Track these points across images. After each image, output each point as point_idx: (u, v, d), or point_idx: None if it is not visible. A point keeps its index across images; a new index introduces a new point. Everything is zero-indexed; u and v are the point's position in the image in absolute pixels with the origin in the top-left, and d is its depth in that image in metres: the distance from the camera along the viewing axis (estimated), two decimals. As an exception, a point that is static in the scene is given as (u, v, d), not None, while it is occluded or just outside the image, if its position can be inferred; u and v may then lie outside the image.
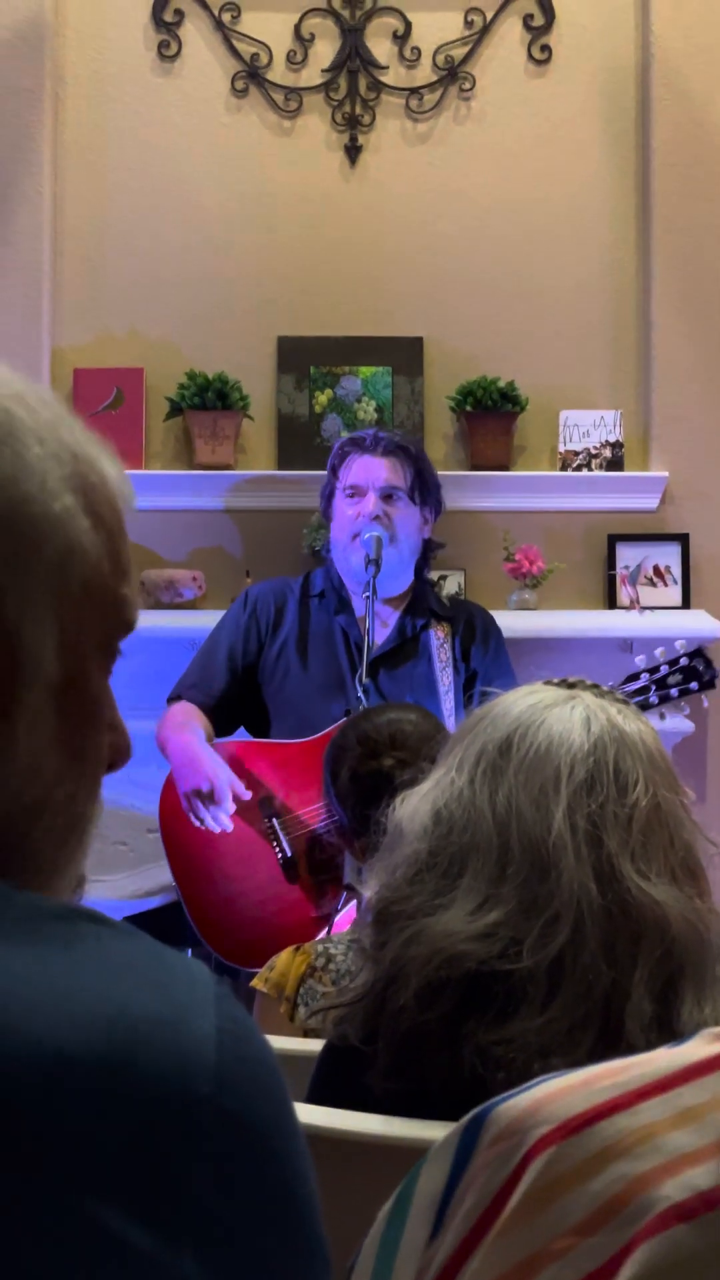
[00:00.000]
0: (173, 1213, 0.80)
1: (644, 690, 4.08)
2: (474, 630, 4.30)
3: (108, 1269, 0.78)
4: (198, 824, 3.99)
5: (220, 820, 3.95)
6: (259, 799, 4.04)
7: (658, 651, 4.17)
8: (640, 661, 4.21)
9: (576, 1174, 0.97)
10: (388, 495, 4.19)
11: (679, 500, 5.07)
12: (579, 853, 1.64)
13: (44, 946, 0.86)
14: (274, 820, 4.02)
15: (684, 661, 4.13)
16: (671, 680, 4.10)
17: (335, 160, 5.16)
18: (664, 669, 4.11)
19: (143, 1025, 0.83)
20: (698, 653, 4.14)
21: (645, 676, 4.12)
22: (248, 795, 3.97)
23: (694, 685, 4.11)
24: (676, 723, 4.77)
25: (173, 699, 4.28)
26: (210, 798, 3.94)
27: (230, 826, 3.97)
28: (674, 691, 4.10)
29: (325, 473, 4.35)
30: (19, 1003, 0.81)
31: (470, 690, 4.22)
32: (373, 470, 4.21)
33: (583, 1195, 0.96)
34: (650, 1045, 1.55)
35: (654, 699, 4.08)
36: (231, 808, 3.95)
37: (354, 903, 3.38)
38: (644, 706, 4.07)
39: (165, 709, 4.28)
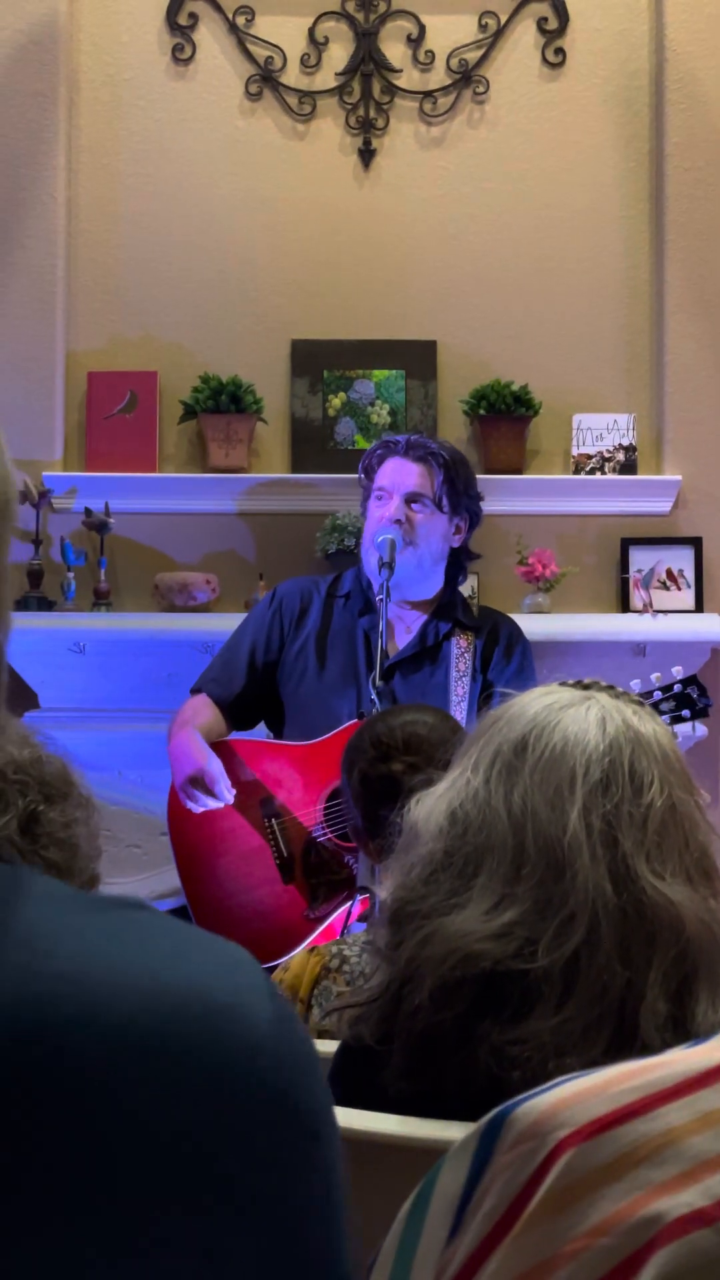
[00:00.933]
0: (231, 1189, 0.82)
1: None
2: (497, 640, 4.24)
3: (165, 1247, 0.79)
4: (194, 809, 4.03)
5: (211, 803, 4.01)
6: (260, 799, 4.05)
7: (654, 676, 4.15)
8: (636, 686, 4.20)
9: (596, 1178, 0.97)
10: (412, 500, 4.17)
11: (692, 504, 5.07)
12: (594, 853, 1.64)
13: (112, 927, 0.87)
14: (273, 820, 4.04)
15: (677, 689, 4.12)
16: (664, 707, 4.09)
17: (349, 164, 5.17)
18: (657, 695, 4.10)
19: (210, 1009, 0.84)
20: (692, 680, 4.13)
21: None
22: (232, 791, 4.00)
23: (686, 713, 4.10)
24: (689, 726, 4.77)
25: (195, 691, 4.30)
26: (202, 784, 3.97)
27: (229, 799, 4.01)
28: (665, 719, 4.09)
29: (356, 475, 4.36)
30: (94, 976, 0.83)
31: (488, 703, 4.20)
32: (401, 474, 4.18)
33: (601, 1200, 0.96)
34: (665, 1045, 1.55)
35: None
36: (225, 794, 3.99)
37: (356, 901, 3.39)
38: None
39: (184, 702, 4.29)
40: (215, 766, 4.02)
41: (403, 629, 4.18)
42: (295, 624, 4.28)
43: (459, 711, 4.10)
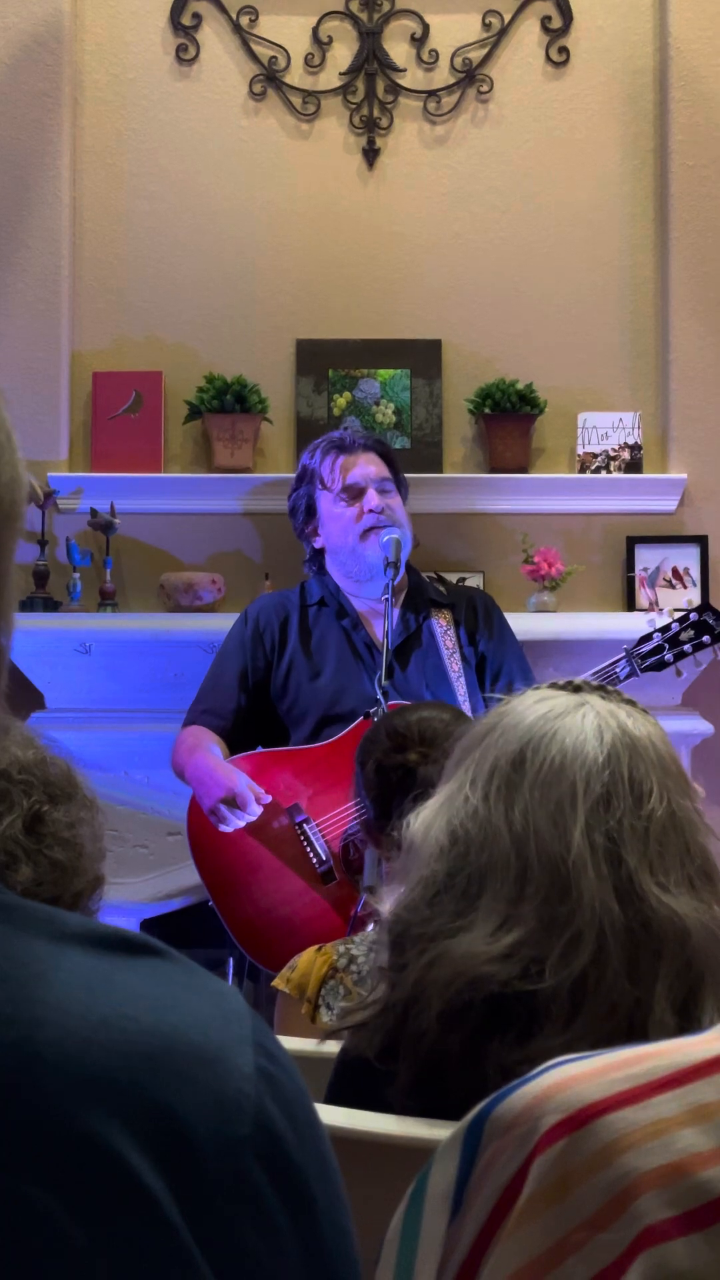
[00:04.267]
0: (212, 1248, 0.80)
1: (658, 650, 4.12)
2: (476, 614, 4.34)
3: None
4: (225, 829, 4.00)
5: (245, 819, 3.98)
6: (287, 807, 4.04)
7: (667, 610, 4.20)
8: (651, 622, 4.23)
9: (587, 1166, 0.97)
10: (382, 489, 4.25)
11: (698, 502, 5.06)
12: (599, 871, 1.63)
13: (109, 967, 0.86)
14: (305, 826, 4.02)
15: (694, 616, 4.16)
16: (684, 637, 4.14)
17: (353, 163, 5.17)
18: (674, 626, 4.14)
19: (185, 1064, 0.83)
20: (705, 606, 4.18)
21: (658, 636, 4.14)
22: (268, 798, 3.98)
23: (706, 639, 4.14)
24: (695, 723, 4.77)
25: (186, 724, 4.28)
26: (233, 803, 3.96)
27: (258, 812, 3.99)
28: (687, 647, 4.14)
29: (298, 485, 4.38)
30: (63, 1027, 0.81)
31: (483, 674, 4.24)
32: (362, 468, 4.27)
33: (594, 1188, 0.96)
34: None
35: (669, 657, 4.12)
36: (257, 809, 3.97)
37: (361, 902, 3.39)
38: (659, 666, 4.11)
39: (179, 734, 4.27)
40: (243, 783, 3.99)
41: (379, 621, 4.18)
42: (278, 643, 4.29)
43: (460, 688, 4.13)
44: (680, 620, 4.16)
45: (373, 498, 4.22)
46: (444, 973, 1.63)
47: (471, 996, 1.61)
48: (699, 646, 4.14)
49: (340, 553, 4.27)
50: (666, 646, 4.12)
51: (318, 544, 4.35)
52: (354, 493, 4.24)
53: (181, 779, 4.19)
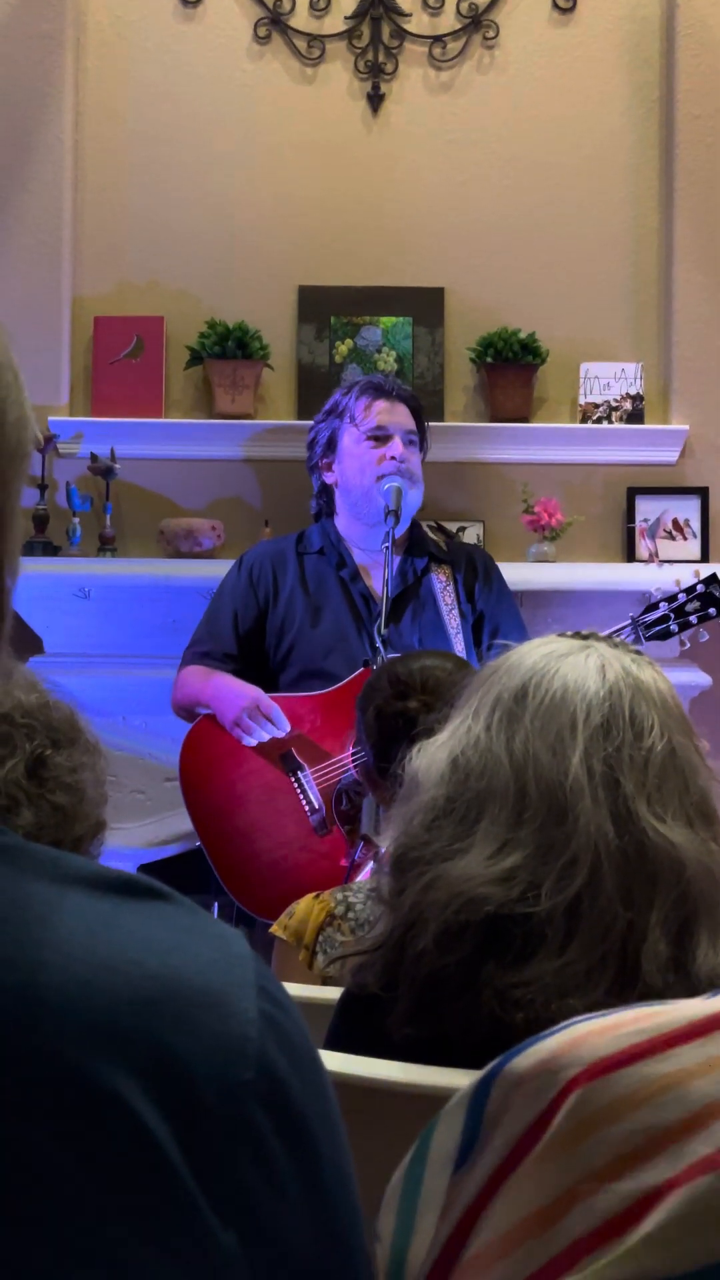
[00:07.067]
0: (215, 1192, 0.80)
1: (664, 619, 4.12)
2: (475, 570, 4.34)
3: (150, 1247, 0.79)
4: (254, 742, 4.03)
5: (270, 731, 4.01)
6: (281, 754, 4.05)
7: (674, 580, 4.21)
8: (657, 592, 4.24)
9: (604, 1116, 0.98)
10: (409, 440, 4.25)
11: (699, 454, 5.06)
12: (596, 796, 1.65)
13: (113, 910, 0.86)
14: (298, 774, 4.03)
15: (700, 588, 4.16)
16: (690, 608, 4.15)
17: (357, 109, 5.14)
18: (681, 597, 4.15)
19: (189, 1009, 0.83)
20: (713, 579, 4.18)
21: (664, 606, 4.15)
22: (287, 725, 4.01)
23: (712, 611, 4.16)
24: (693, 675, 4.77)
25: (183, 667, 4.29)
26: (258, 712, 3.98)
27: (288, 729, 4.01)
28: (693, 618, 4.15)
29: (325, 418, 4.36)
30: (66, 970, 0.81)
31: (480, 631, 4.25)
32: (397, 415, 4.27)
33: (609, 1137, 0.97)
34: (667, 986, 1.57)
35: (674, 627, 4.13)
36: (285, 721, 4.01)
37: (359, 849, 3.40)
38: (664, 635, 4.12)
39: (179, 674, 4.28)
40: (262, 694, 4.04)
41: (379, 573, 4.18)
42: (273, 591, 4.29)
43: (458, 644, 4.14)
44: (687, 591, 4.16)
45: (398, 446, 4.22)
46: (441, 894, 1.64)
47: (469, 917, 1.62)
48: (705, 618, 4.15)
49: (353, 492, 4.26)
50: (672, 616, 4.13)
51: (329, 479, 4.34)
52: (381, 437, 4.24)
53: (188, 711, 4.21)
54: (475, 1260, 1.00)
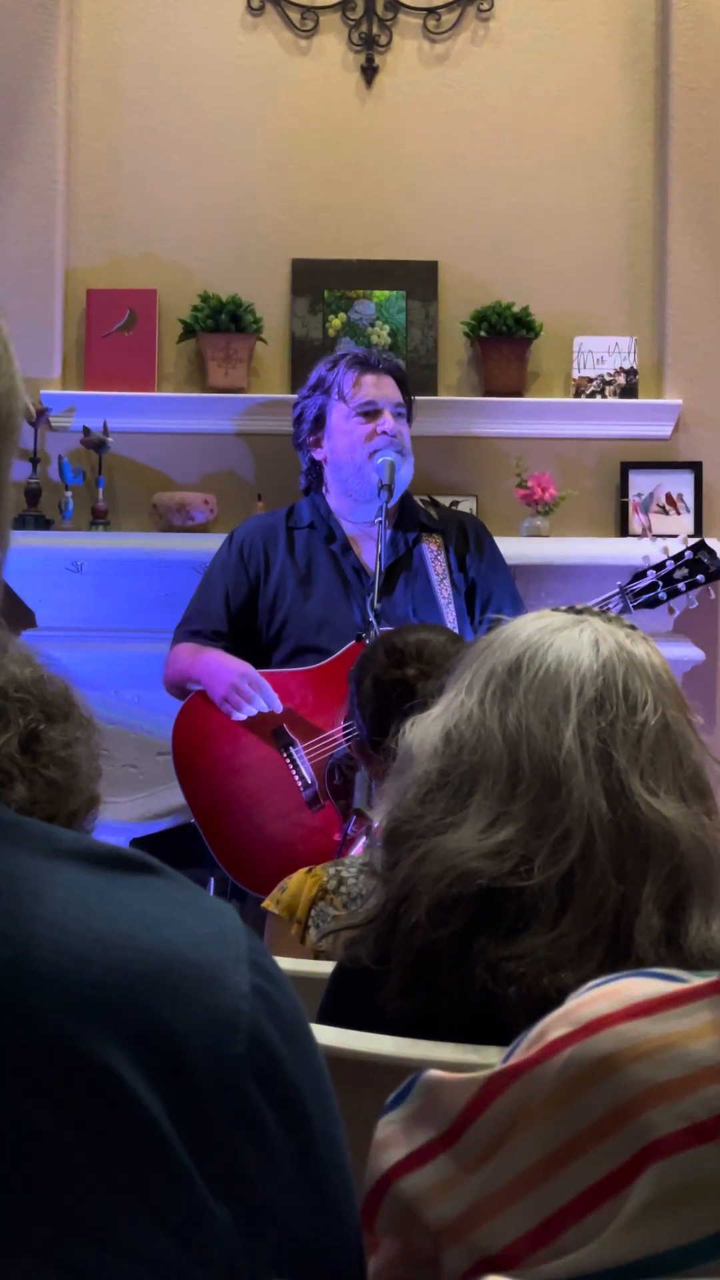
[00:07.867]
0: (208, 1165, 0.81)
1: (652, 587, 4.11)
2: (467, 539, 4.33)
3: (142, 1216, 0.79)
4: (245, 716, 4.02)
5: (260, 705, 4.00)
6: (273, 730, 4.05)
7: (662, 548, 4.19)
8: (645, 560, 4.23)
9: (593, 1073, 0.98)
10: (397, 413, 4.24)
11: (692, 428, 5.05)
12: (589, 770, 1.65)
13: (106, 884, 0.86)
14: (290, 749, 4.03)
15: (689, 555, 4.15)
16: (678, 575, 4.13)
17: (351, 81, 5.12)
18: (669, 564, 4.14)
19: (182, 983, 0.83)
20: (700, 545, 4.18)
21: (652, 574, 4.14)
22: (280, 704, 4.01)
23: (700, 578, 4.14)
24: (686, 650, 4.78)
25: (175, 644, 4.28)
26: (247, 687, 3.99)
27: (280, 707, 4.01)
28: (681, 585, 4.14)
29: (310, 394, 4.35)
30: (59, 944, 0.81)
31: (472, 602, 4.24)
32: (384, 388, 4.26)
33: (602, 1093, 0.97)
34: (659, 960, 1.57)
35: (663, 595, 4.12)
36: (275, 698, 4.01)
37: (351, 823, 3.40)
38: (653, 603, 4.11)
39: (171, 651, 4.27)
40: (251, 669, 4.04)
41: (369, 543, 4.17)
42: (264, 567, 4.28)
43: (449, 614, 4.13)
44: (675, 558, 4.15)
45: (388, 421, 4.21)
46: (434, 868, 1.64)
47: (461, 891, 1.62)
48: (693, 585, 4.14)
49: (344, 469, 4.25)
50: (661, 584, 4.12)
51: (318, 455, 4.33)
52: (371, 412, 4.22)
53: (180, 686, 4.21)
54: (484, 1204, 1.01)
